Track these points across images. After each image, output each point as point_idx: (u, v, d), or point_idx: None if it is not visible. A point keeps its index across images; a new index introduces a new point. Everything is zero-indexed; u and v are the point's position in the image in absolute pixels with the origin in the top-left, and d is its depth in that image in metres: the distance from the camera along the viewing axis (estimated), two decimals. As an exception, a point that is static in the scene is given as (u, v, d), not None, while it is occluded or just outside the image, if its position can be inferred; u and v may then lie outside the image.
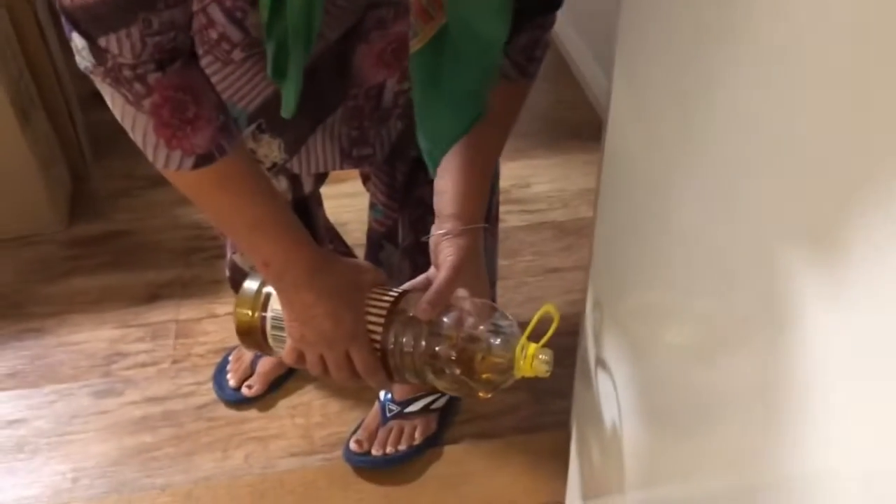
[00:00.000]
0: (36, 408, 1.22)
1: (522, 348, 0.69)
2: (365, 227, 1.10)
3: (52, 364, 1.28)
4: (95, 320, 1.36)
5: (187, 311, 1.37)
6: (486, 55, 0.64)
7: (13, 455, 1.15)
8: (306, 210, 1.03)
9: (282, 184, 0.97)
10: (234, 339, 1.28)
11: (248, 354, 1.24)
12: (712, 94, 0.47)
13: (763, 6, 0.41)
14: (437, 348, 0.71)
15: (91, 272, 1.45)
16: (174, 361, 1.29)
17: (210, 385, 1.24)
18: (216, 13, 0.73)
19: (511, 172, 1.68)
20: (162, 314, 1.37)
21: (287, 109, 0.66)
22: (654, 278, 0.62)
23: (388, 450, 1.12)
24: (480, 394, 0.73)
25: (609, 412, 0.76)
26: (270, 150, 0.85)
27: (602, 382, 0.78)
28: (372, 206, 1.06)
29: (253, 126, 0.82)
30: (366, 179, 1.07)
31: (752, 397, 0.47)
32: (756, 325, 0.45)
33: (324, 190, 1.09)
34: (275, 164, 0.86)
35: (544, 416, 1.19)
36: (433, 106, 0.67)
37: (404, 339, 0.73)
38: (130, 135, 0.66)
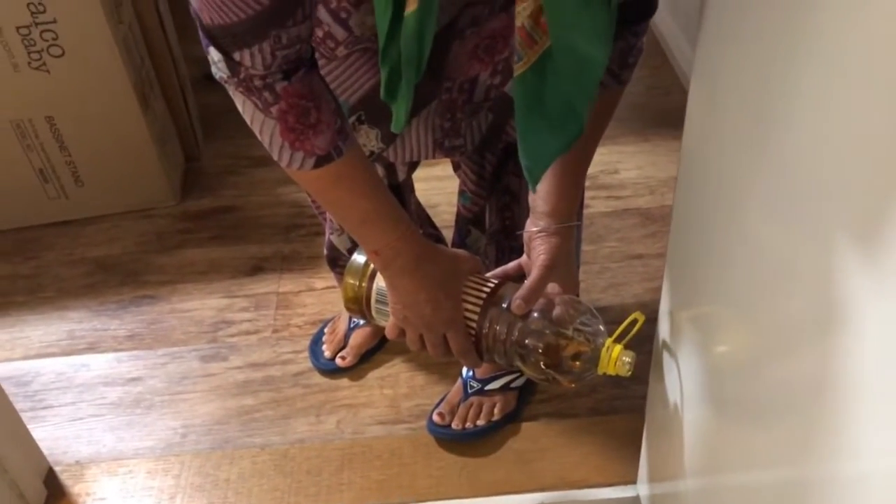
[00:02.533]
0: (151, 368, 1.34)
1: (608, 349, 0.74)
2: (454, 210, 1.15)
3: (165, 328, 1.40)
4: (204, 290, 1.47)
5: (287, 283, 1.47)
6: (588, 75, 0.65)
7: (131, 409, 1.27)
8: (400, 196, 1.09)
9: (378, 172, 1.03)
10: (330, 312, 1.38)
11: (342, 327, 1.32)
12: (784, 106, 0.50)
13: (839, 19, 0.43)
14: (526, 340, 0.77)
15: (200, 244, 1.57)
16: (274, 331, 1.38)
17: (306, 354, 1.33)
18: (322, 13, 0.79)
19: (599, 158, 1.66)
20: (264, 286, 1.47)
21: (397, 126, 0.71)
22: (721, 278, 0.65)
23: (468, 424, 1.17)
24: (563, 383, 0.78)
25: (675, 401, 0.80)
26: (368, 139, 0.91)
27: (670, 372, 0.81)
28: (461, 192, 1.11)
29: (353, 117, 0.88)
30: (456, 167, 1.12)
31: (809, 396, 0.49)
32: (815, 327, 0.48)
33: (416, 174, 1.14)
34: (372, 153, 0.93)
35: (621, 400, 1.23)
36: (535, 125, 0.69)
37: (498, 328, 0.79)
38: (258, 136, 0.72)
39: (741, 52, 0.57)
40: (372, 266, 0.84)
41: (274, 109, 0.69)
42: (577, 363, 0.76)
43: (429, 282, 0.79)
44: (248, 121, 0.72)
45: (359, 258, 0.85)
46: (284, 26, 0.65)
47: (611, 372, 0.75)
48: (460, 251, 0.84)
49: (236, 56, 0.66)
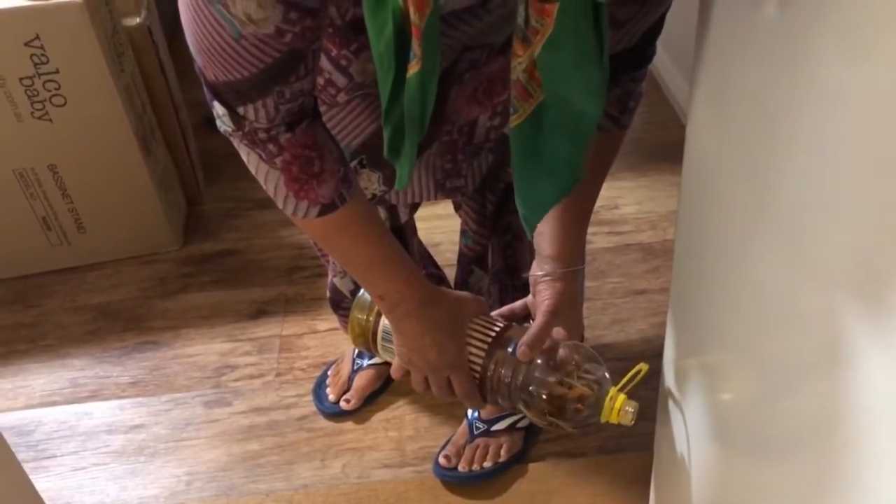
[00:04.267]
0: (154, 414, 1.33)
1: (611, 398, 0.74)
2: (456, 248, 1.16)
3: (168, 374, 1.39)
4: (207, 334, 1.46)
5: (290, 326, 1.46)
6: (582, 128, 0.66)
7: (135, 458, 1.26)
8: (402, 237, 1.09)
9: (380, 214, 1.03)
10: (333, 355, 1.37)
11: (346, 370, 1.31)
12: (783, 146, 0.50)
13: (837, 57, 0.43)
14: (530, 387, 0.77)
15: (203, 289, 1.57)
16: (278, 374, 1.38)
17: (310, 397, 1.32)
18: (323, 61, 0.80)
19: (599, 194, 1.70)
20: (267, 329, 1.46)
21: (401, 183, 0.71)
22: (724, 321, 0.65)
23: (475, 466, 1.16)
24: (566, 429, 0.78)
25: (681, 441, 0.79)
26: (370, 182, 0.91)
27: (675, 412, 0.81)
28: (463, 232, 1.11)
29: (355, 161, 0.89)
30: (457, 207, 1.12)
31: (816, 436, 0.49)
32: (819, 367, 0.47)
33: (417, 213, 1.15)
34: (374, 196, 0.93)
35: (628, 437, 1.21)
36: (532, 175, 0.69)
37: (502, 371, 0.79)
38: (263, 186, 0.73)
39: (738, 94, 0.57)
40: None
41: (278, 161, 0.70)
42: (580, 407, 0.76)
43: (433, 326, 0.79)
44: (252, 171, 0.72)
45: (366, 293, 0.86)
46: (288, 82, 0.65)
47: (613, 421, 0.75)
48: (465, 294, 0.85)
49: (240, 110, 0.67)
